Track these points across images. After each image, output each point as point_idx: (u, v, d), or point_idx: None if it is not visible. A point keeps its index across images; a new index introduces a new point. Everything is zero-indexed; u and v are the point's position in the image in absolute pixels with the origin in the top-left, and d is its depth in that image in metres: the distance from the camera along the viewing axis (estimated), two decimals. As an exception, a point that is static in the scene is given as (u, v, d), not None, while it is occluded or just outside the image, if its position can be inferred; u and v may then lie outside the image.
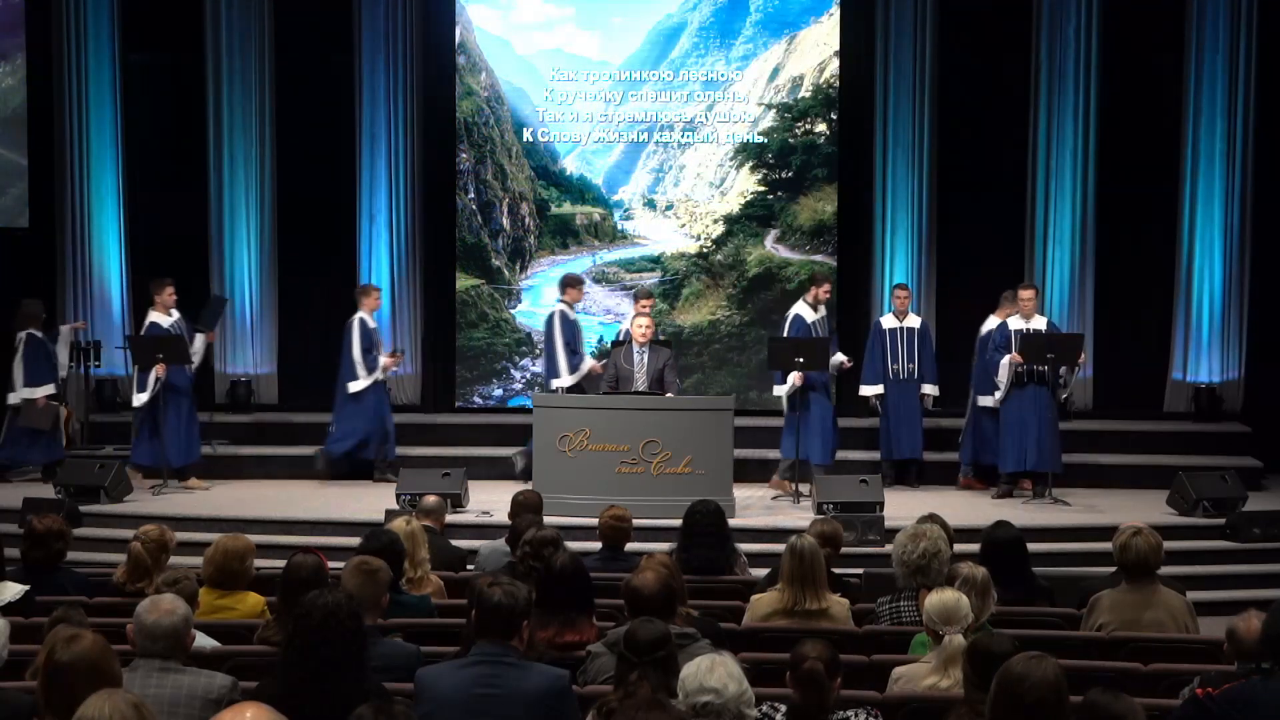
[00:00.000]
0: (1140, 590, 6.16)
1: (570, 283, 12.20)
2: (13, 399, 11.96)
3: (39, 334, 12.09)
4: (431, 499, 8.58)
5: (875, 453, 12.10)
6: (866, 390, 12.03)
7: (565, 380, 11.79)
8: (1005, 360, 11.36)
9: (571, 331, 11.94)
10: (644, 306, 11.48)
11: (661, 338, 12.04)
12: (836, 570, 6.95)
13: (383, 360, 12.09)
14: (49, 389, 12.00)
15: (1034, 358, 11.23)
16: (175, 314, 11.99)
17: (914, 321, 12.05)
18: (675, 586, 5.38)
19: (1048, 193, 13.09)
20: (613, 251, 13.82)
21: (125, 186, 13.54)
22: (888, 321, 12.03)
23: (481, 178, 13.77)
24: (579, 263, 13.78)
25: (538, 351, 13.74)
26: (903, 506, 10.17)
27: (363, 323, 12.08)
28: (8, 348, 12.29)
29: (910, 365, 11.92)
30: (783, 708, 4.47)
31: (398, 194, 13.50)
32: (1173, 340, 13.10)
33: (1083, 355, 11.52)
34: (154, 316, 11.94)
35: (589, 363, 11.94)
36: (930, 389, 12.04)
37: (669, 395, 10.92)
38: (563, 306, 12.01)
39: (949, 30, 13.18)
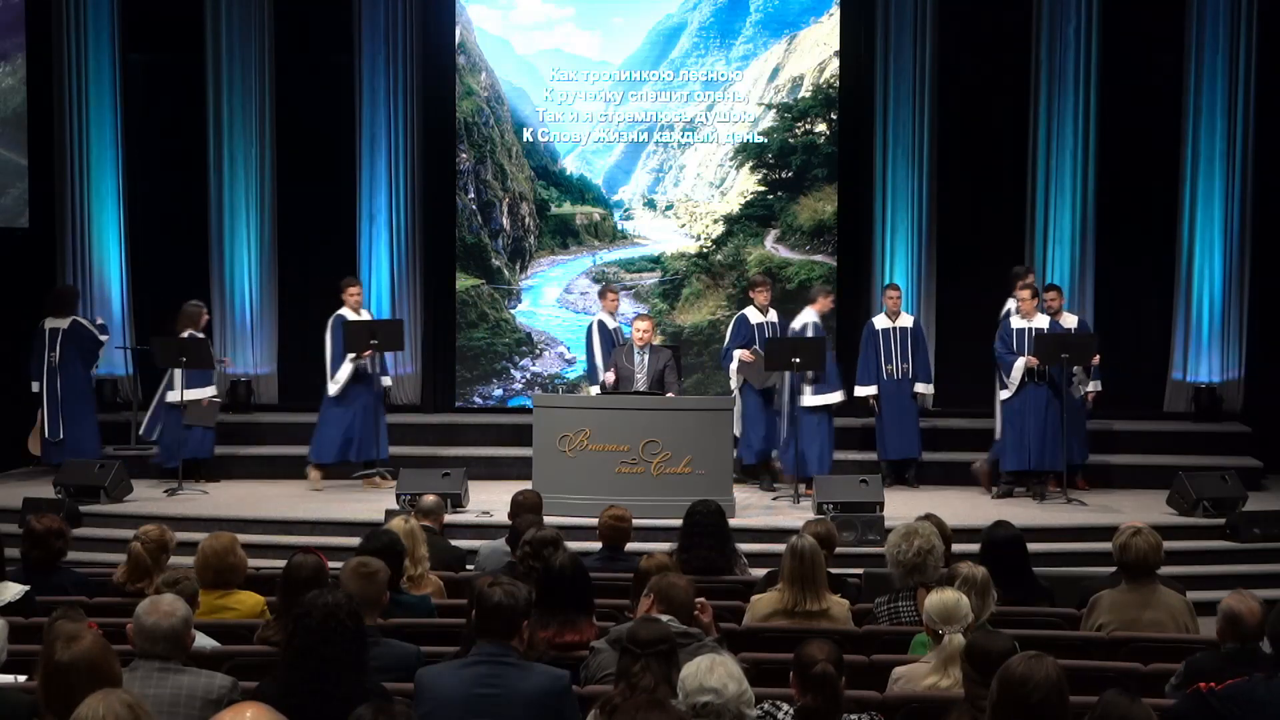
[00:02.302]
0: (1140, 590, 6.16)
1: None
2: (186, 396, 11.94)
3: (200, 335, 12.06)
4: (430, 499, 8.57)
5: (873, 453, 12.11)
6: (861, 391, 12.03)
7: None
8: (1019, 362, 11.33)
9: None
10: (762, 294, 11.67)
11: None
12: (836, 570, 6.95)
13: (604, 377, 11.49)
14: (211, 390, 12.03)
15: (1049, 358, 11.20)
16: (365, 313, 12.07)
17: (906, 321, 12.06)
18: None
19: (1048, 193, 13.09)
20: (613, 251, 13.82)
21: (125, 186, 13.54)
22: (880, 322, 12.03)
23: (481, 178, 13.77)
24: (579, 263, 13.80)
25: (538, 351, 13.76)
26: (902, 506, 10.17)
27: (602, 325, 11.92)
28: (7, 341, 12.33)
29: (904, 365, 11.93)
30: (785, 705, 4.45)
31: (398, 194, 13.50)
32: (1173, 340, 13.10)
33: (1097, 356, 11.49)
34: (344, 311, 11.97)
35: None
36: (924, 388, 12.08)
37: (669, 395, 10.93)
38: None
39: (949, 30, 13.18)
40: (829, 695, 4.31)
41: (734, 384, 11.79)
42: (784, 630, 5.92)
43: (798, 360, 11.16)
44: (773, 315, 11.79)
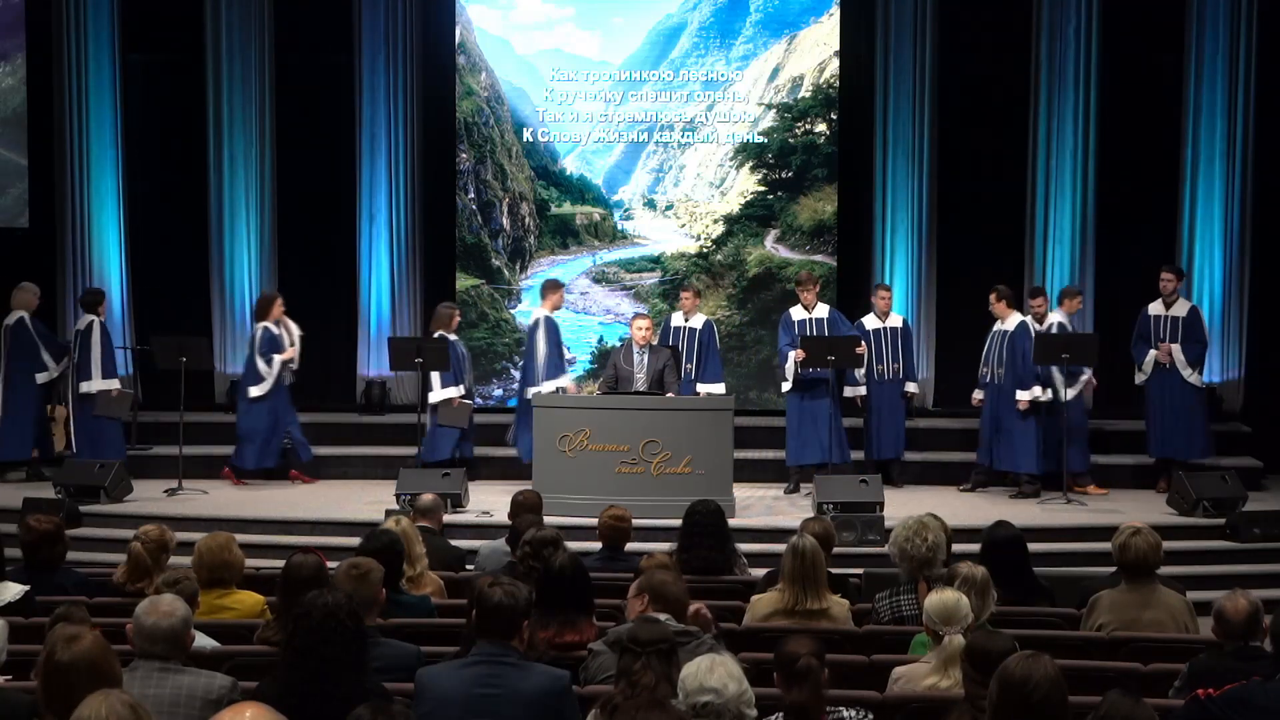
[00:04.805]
0: (1140, 590, 6.16)
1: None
2: (432, 398, 11.97)
3: (451, 337, 12.04)
4: (427, 498, 8.53)
5: (862, 452, 12.09)
6: (850, 391, 12.02)
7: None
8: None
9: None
10: (807, 292, 11.74)
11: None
12: (836, 570, 6.95)
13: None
14: (460, 389, 11.96)
15: (1049, 358, 11.26)
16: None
17: (895, 321, 12.09)
18: None
19: (1048, 193, 13.09)
20: (613, 251, 13.83)
21: (125, 186, 13.54)
22: (870, 322, 12.04)
23: (481, 178, 13.77)
24: (579, 263, 13.79)
25: (538, 351, 13.75)
26: (902, 507, 10.16)
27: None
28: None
29: (894, 365, 11.94)
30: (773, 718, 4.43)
31: (398, 194, 13.50)
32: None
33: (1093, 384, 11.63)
34: (546, 313, 12.03)
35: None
36: (913, 387, 12.14)
37: (669, 395, 10.93)
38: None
39: (949, 30, 13.19)
40: (814, 688, 4.30)
41: (785, 386, 11.79)
42: (784, 630, 5.91)
43: (833, 358, 11.21)
44: (820, 311, 11.78)
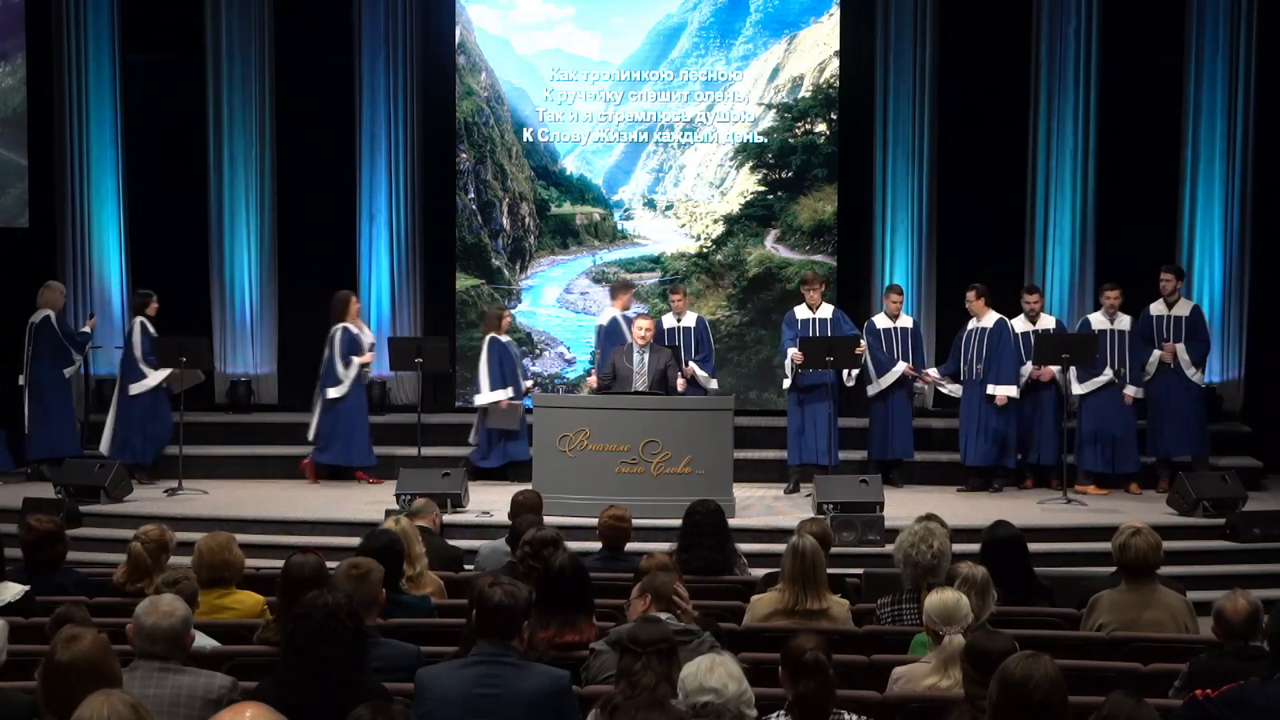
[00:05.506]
0: (1140, 590, 6.16)
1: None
2: (479, 400, 12.00)
3: (502, 338, 12.07)
4: (419, 501, 8.54)
5: (865, 452, 12.09)
6: (874, 389, 12.01)
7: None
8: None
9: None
10: (811, 292, 11.82)
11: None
12: (836, 570, 6.94)
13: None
14: (509, 392, 11.91)
15: (1049, 358, 11.29)
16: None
17: (906, 321, 12.09)
18: None
19: (1048, 193, 13.11)
20: (613, 251, 13.83)
21: (125, 186, 13.55)
22: (881, 321, 12.04)
23: (481, 178, 13.78)
24: (579, 263, 13.80)
25: (538, 351, 13.75)
26: (902, 507, 10.16)
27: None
28: (6, 336, 12.35)
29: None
30: (774, 718, 4.43)
31: (398, 194, 13.51)
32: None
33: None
34: (615, 314, 12.15)
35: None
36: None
37: (684, 390, 11.00)
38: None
39: (949, 30, 13.20)
40: (823, 681, 4.30)
41: (786, 384, 11.81)
42: (784, 630, 5.91)
43: (831, 359, 11.22)
44: (825, 311, 11.80)
